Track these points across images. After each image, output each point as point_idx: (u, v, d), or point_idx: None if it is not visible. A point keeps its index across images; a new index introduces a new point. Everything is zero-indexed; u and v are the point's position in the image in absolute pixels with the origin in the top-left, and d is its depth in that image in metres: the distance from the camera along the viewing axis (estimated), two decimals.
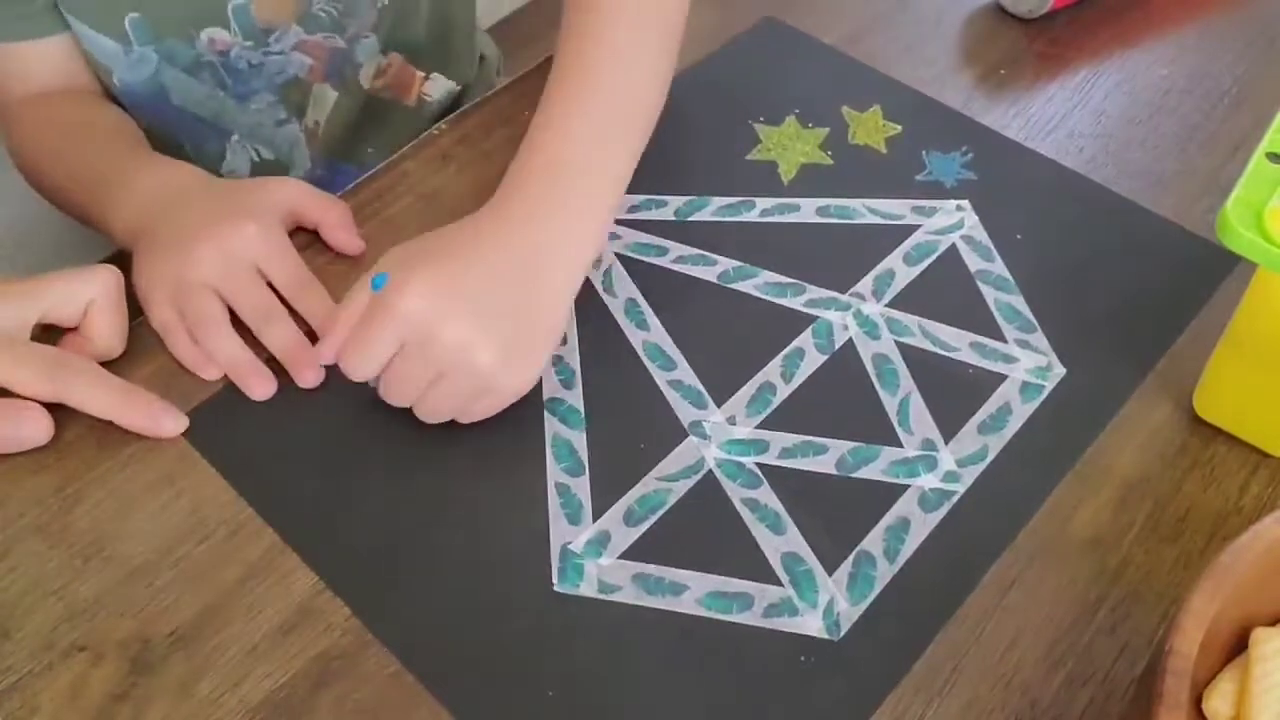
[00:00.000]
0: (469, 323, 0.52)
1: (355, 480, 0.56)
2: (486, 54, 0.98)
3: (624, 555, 0.53)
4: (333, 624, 0.51)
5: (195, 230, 0.60)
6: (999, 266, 0.64)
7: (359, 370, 0.54)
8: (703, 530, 0.54)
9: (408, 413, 0.56)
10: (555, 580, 0.52)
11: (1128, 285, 0.63)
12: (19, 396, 0.55)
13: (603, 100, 0.60)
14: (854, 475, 0.56)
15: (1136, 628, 0.51)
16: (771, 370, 0.60)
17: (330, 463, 0.56)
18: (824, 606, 0.51)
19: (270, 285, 0.61)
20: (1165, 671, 0.39)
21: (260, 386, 0.58)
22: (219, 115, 0.83)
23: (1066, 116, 0.72)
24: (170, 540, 0.54)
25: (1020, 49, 0.76)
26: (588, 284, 0.62)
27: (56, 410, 0.57)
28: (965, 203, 0.67)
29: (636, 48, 0.63)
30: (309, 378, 0.59)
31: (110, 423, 0.56)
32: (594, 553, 0.53)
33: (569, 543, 0.53)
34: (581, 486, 0.55)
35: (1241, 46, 0.77)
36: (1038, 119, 0.72)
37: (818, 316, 0.62)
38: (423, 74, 0.87)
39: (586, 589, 0.52)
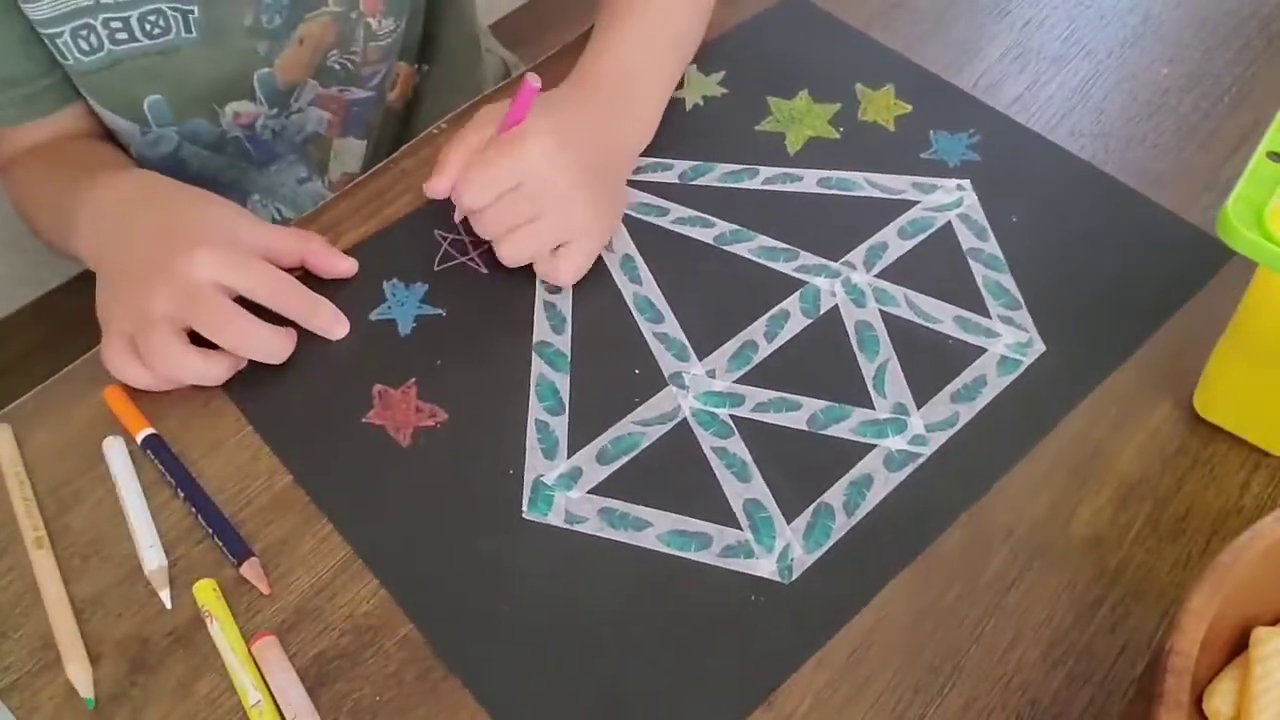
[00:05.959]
0: (578, 177, 0.60)
1: (350, 403, 0.58)
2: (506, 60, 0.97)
3: (593, 491, 0.55)
4: (331, 624, 0.51)
5: (148, 264, 0.57)
6: (992, 245, 0.65)
7: (478, 197, 0.59)
8: (671, 473, 0.56)
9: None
10: (525, 508, 0.54)
11: (1118, 271, 0.64)
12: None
13: (650, 21, 0.69)
14: (823, 432, 0.57)
15: (1137, 627, 0.51)
16: (755, 330, 0.61)
17: (324, 389, 0.59)
18: (779, 551, 0.53)
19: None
20: (1166, 671, 0.39)
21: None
22: (238, 180, 0.82)
23: (1067, 115, 0.72)
24: (168, 540, 0.53)
25: (1022, 47, 0.76)
26: None
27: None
28: (966, 182, 0.68)
29: None
30: (338, 330, 0.60)
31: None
32: (565, 485, 0.55)
33: (542, 475, 0.55)
34: (560, 425, 0.57)
35: (1241, 45, 0.77)
36: (1038, 117, 0.72)
37: (807, 282, 0.63)
38: (413, 67, 0.86)
39: (554, 518, 0.54)
